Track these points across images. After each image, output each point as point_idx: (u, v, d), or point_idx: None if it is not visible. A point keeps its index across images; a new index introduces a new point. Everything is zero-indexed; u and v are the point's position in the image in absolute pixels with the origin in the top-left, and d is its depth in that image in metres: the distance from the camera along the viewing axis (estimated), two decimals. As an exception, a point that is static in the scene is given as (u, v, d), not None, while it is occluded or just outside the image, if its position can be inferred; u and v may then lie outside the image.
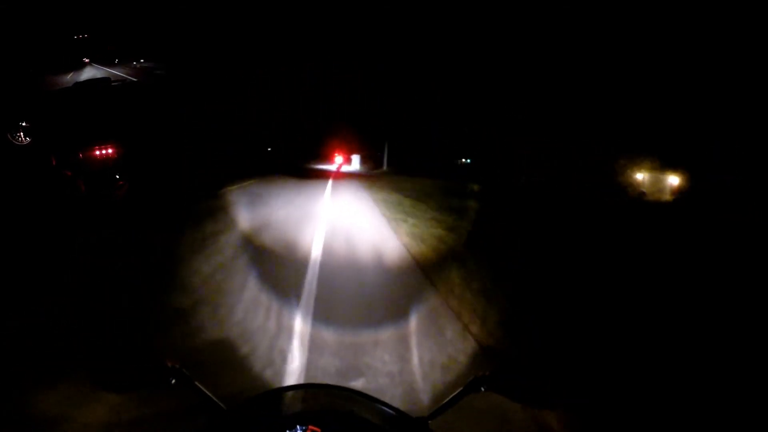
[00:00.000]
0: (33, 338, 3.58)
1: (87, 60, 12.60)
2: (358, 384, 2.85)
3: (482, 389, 1.13)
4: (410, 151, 20.94)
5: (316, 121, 25.25)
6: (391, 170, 18.94)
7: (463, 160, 20.71)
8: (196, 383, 1.15)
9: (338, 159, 19.22)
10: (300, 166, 19.07)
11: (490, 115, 21.04)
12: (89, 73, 11.96)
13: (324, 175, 17.13)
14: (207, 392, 1.15)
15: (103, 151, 7.17)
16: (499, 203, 13.20)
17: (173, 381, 1.11)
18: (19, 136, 9.61)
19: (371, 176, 17.59)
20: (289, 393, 1.34)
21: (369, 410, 1.22)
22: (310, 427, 1.02)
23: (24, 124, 9.73)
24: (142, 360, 1.20)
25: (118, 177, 7.04)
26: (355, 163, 20.11)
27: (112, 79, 11.45)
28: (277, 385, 2.77)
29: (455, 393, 1.16)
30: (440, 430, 1.18)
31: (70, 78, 11.27)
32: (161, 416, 2.57)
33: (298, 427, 1.01)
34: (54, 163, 7.62)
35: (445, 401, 1.17)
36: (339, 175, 17.11)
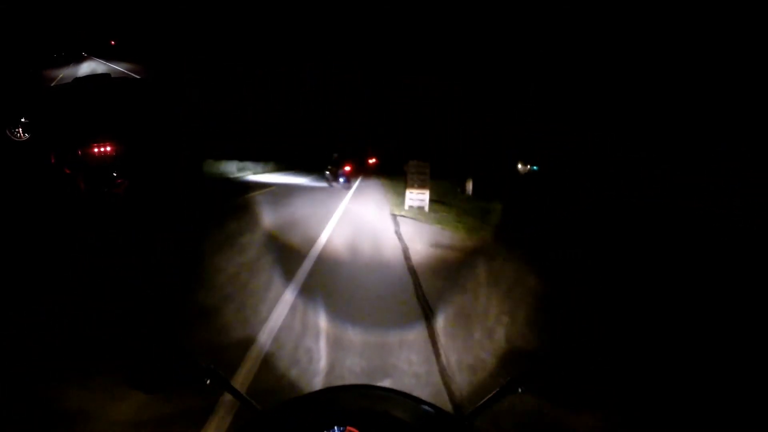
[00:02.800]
0: (60, 335, 3.52)
1: (86, 54, 12.46)
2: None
3: (519, 390, 1.13)
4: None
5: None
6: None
7: (528, 166, 15.99)
8: (232, 384, 1.16)
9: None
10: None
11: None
12: (89, 67, 11.80)
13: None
14: (242, 393, 1.15)
15: (102, 149, 7.02)
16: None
17: (208, 381, 1.12)
18: (18, 131, 9.47)
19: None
20: (326, 395, 1.32)
21: (407, 409, 1.21)
22: (348, 428, 1.02)
23: (23, 119, 9.58)
24: (175, 359, 1.18)
25: (116, 175, 6.90)
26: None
27: (113, 75, 11.27)
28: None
29: (493, 393, 1.15)
30: (478, 429, 1.16)
31: (69, 72, 11.12)
32: (189, 414, 2.57)
33: (335, 427, 1.02)
34: (53, 160, 7.47)
35: (483, 401, 1.16)
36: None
